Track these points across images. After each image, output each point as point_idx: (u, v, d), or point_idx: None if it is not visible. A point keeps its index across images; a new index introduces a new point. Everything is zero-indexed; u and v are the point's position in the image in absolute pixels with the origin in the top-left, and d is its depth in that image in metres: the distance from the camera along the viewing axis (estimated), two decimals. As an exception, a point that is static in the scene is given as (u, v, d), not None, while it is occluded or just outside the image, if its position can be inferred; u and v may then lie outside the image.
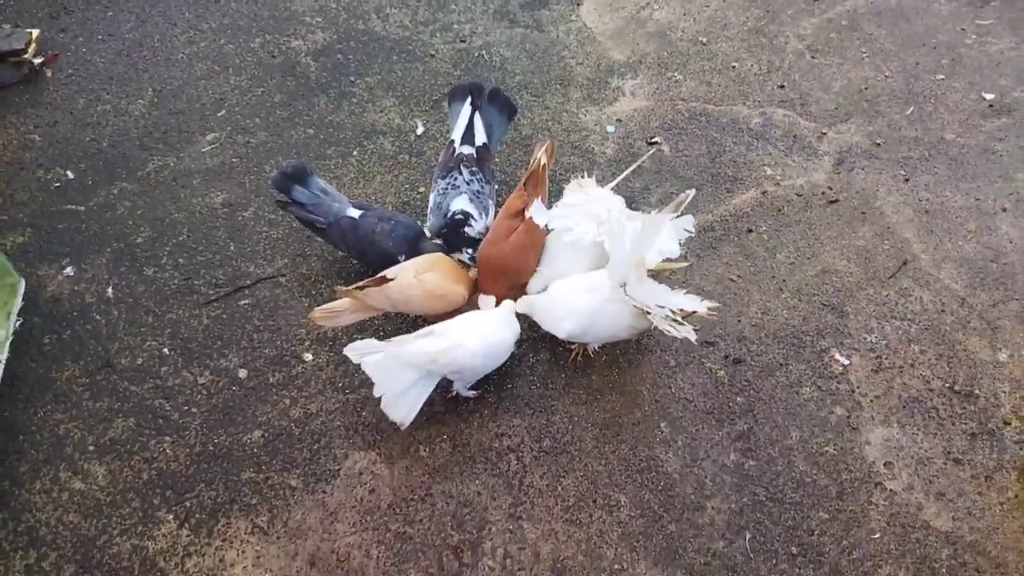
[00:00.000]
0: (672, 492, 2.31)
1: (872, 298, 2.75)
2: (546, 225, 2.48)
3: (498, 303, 2.45)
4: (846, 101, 3.43)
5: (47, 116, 3.24)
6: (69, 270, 2.74)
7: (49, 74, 3.41)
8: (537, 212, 2.45)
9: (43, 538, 2.18)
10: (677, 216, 2.34)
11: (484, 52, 3.58)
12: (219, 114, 3.27)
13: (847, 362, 2.58)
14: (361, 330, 2.60)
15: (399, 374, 2.22)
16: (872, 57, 3.64)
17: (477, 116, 2.74)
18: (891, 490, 2.33)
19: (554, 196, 2.72)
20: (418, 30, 3.68)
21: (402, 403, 2.25)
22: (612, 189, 2.54)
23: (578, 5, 3.84)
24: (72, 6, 3.70)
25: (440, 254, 2.54)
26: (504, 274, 2.50)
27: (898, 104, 3.43)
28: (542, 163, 2.60)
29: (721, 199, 3.04)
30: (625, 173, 2.60)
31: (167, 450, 2.34)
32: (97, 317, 2.62)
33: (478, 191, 2.66)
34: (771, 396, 2.51)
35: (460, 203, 2.62)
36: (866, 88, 3.49)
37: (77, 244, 2.81)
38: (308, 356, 2.55)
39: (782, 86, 3.48)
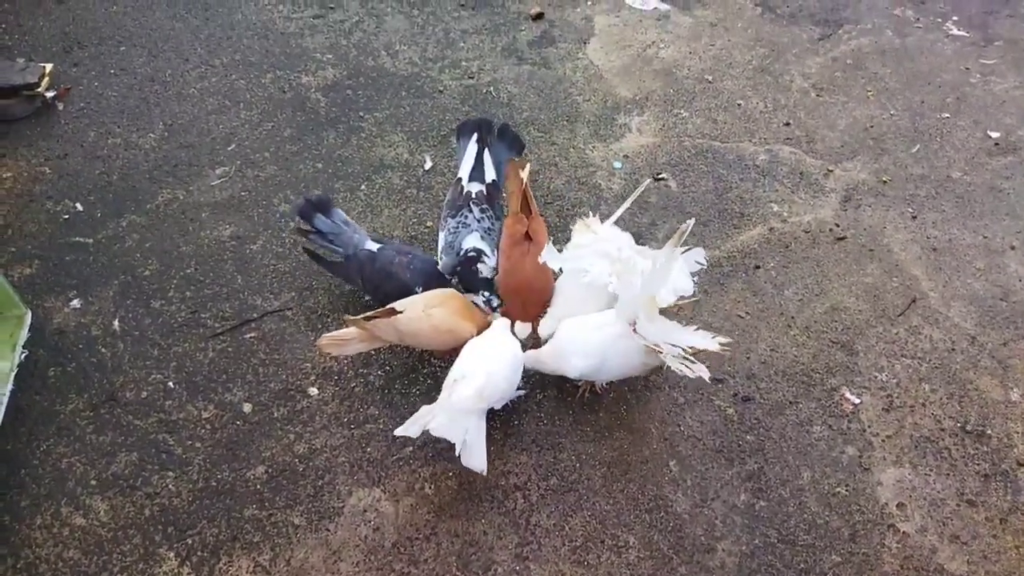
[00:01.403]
0: (682, 533, 2.27)
1: (882, 336, 2.73)
2: (559, 269, 2.46)
3: (534, 328, 2.51)
4: (852, 139, 3.45)
5: (58, 149, 3.26)
6: (76, 302, 2.73)
7: (61, 108, 3.44)
8: (549, 257, 2.44)
9: (43, 575, 2.14)
10: (684, 250, 2.33)
11: (492, 88, 3.61)
12: (229, 148, 3.29)
13: (858, 401, 2.55)
14: (367, 364, 2.58)
15: (462, 423, 2.18)
16: (878, 95, 3.66)
17: (487, 153, 2.76)
18: (904, 532, 2.28)
19: (556, 232, 2.72)
20: (427, 67, 3.72)
21: (475, 450, 2.22)
22: (616, 224, 2.53)
23: (585, 43, 3.89)
24: (85, 41, 3.76)
25: (452, 290, 2.54)
26: (534, 296, 2.53)
27: (904, 142, 3.45)
28: (525, 183, 2.59)
29: (728, 235, 3.04)
30: (624, 206, 2.60)
31: (170, 486, 2.31)
32: (103, 350, 2.61)
33: (489, 228, 2.66)
34: (781, 435, 2.48)
35: (472, 241, 2.62)
36: (872, 126, 3.51)
37: (84, 276, 2.81)
38: (313, 390, 2.53)
39: (788, 123, 3.50)
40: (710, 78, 3.72)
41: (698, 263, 2.34)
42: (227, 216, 3.04)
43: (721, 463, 2.41)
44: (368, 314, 2.32)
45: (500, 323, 2.44)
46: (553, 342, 2.39)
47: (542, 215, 3.03)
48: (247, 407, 2.48)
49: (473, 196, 2.69)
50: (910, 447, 2.46)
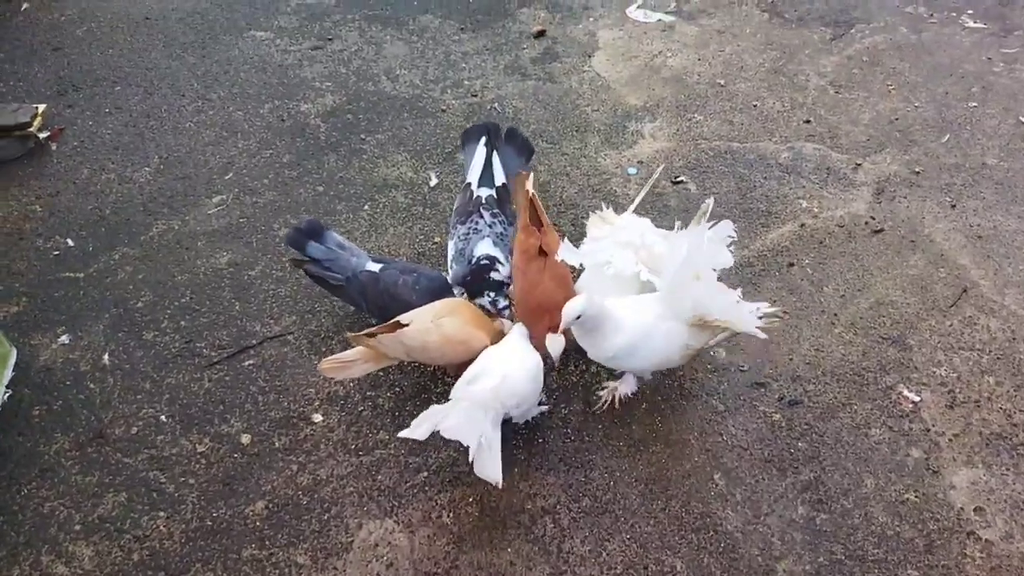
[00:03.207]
0: (735, 554, 2.01)
1: (935, 329, 2.50)
2: (580, 264, 2.27)
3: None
4: (878, 132, 3.28)
5: (50, 187, 3.14)
6: (64, 338, 2.56)
7: (54, 148, 3.33)
8: (567, 253, 2.23)
9: (19, 633, 1.91)
10: (710, 225, 2.12)
11: (496, 104, 3.48)
12: (226, 177, 3.16)
13: (917, 398, 2.31)
14: (375, 386, 2.37)
15: (477, 426, 1.95)
16: (899, 89, 3.50)
17: (495, 156, 2.60)
18: (987, 540, 2.01)
19: (573, 241, 2.53)
20: (428, 88, 3.61)
21: (490, 459, 1.98)
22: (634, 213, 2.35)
23: (589, 56, 3.77)
24: (80, 83, 3.68)
25: (461, 299, 2.35)
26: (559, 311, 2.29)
27: (933, 132, 3.26)
28: (531, 193, 2.35)
29: (756, 234, 2.84)
30: (643, 192, 2.42)
31: (160, 527, 2.08)
32: (91, 385, 2.42)
33: (501, 233, 2.48)
34: (836, 440, 2.23)
35: (484, 247, 2.43)
36: (897, 119, 3.34)
37: (74, 311, 2.64)
38: (318, 417, 2.32)
39: (808, 121, 3.34)
40: (722, 82, 3.58)
41: (729, 236, 2.12)
42: (224, 244, 2.88)
43: (772, 474, 2.16)
44: (371, 329, 2.12)
45: (518, 330, 2.23)
46: (586, 318, 2.08)
47: (555, 225, 2.86)
48: (245, 438, 2.27)
49: (483, 201, 2.52)
50: (981, 445, 2.20)
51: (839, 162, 3.14)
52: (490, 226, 2.46)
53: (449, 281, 2.45)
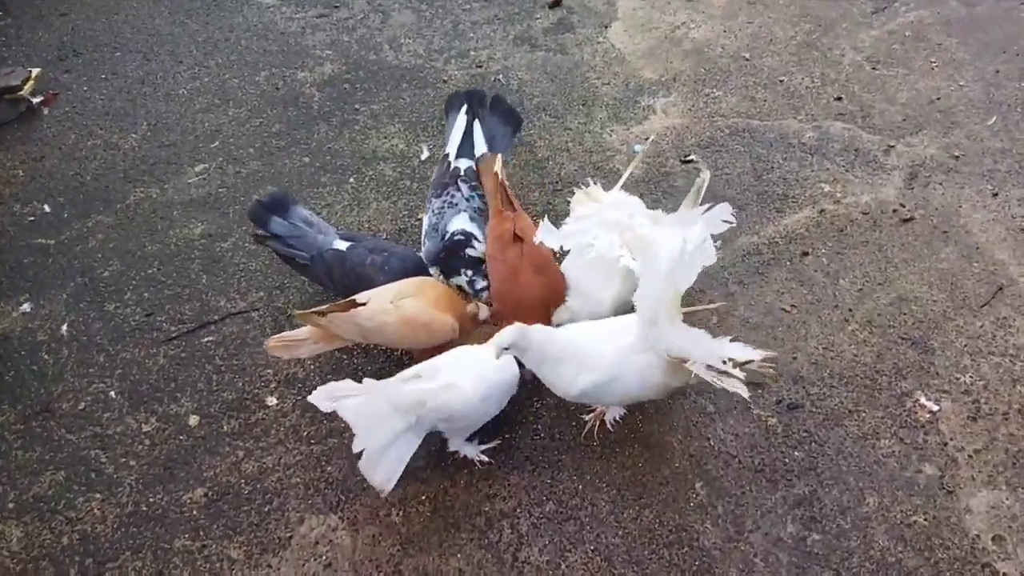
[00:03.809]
0: (711, 573, 1.79)
1: (963, 330, 2.22)
2: (560, 247, 2.04)
3: None
4: (915, 112, 2.97)
5: (35, 152, 3.05)
6: (26, 306, 2.46)
7: (46, 112, 3.25)
8: (547, 234, 2.00)
9: (-64, 615, 1.81)
10: (705, 208, 1.86)
11: (501, 76, 3.27)
12: (212, 145, 3.02)
13: (936, 408, 2.04)
14: (336, 369, 2.21)
15: (383, 422, 1.80)
16: (943, 67, 3.17)
17: (477, 126, 2.40)
18: (1004, 574, 1.75)
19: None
20: (432, 58, 3.42)
21: (384, 462, 1.82)
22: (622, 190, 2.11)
23: (606, 27, 3.52)
24: (81, 48, 3.59)
25: (430, 279, 2.16)
26: (545, 302, 2.07)
27: (977, 114, 2.94)
28: (501, 177, 2.17)
29: (769, 219, 2.58)
30: (633, 164, 2.19)
31: (95, 509, 1.96)
32: (45, 356, 2.31)
33: (480, 208, 2.29)
34: (839, 451, 1.98)
35: (460, 222, 2.24)
36: (938, 99, 3.02)
37: (40, 279, 2.54)
38: (272, 400, 2.16)
39: (839, 98, 3.04)
40: (747, 55, 3.30)
41: (724, 222, 1.82)
42: (200, 214, 2.75)
43: (762, 485, 1.93)
44: (322, 308, 1.94)
45: (509, 335, 1.81)
46: (553, 347, 1.85)
47: (550, 205, 2.66)
48: (193, 419, 2.13)
49: (462, 173, 2.33)
50: (1006, 464, 1.93)
51: (869, 143, 2.85)
52: (468, 199, 2.27)
53: (424, 259, 2.27)
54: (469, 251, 2.20)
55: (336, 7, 3.78)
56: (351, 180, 2.84)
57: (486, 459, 1.98)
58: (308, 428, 2.09)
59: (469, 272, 2.18)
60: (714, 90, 3.13)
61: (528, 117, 3.04)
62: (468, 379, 1.81)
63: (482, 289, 2.19)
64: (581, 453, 2.01)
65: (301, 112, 3.17)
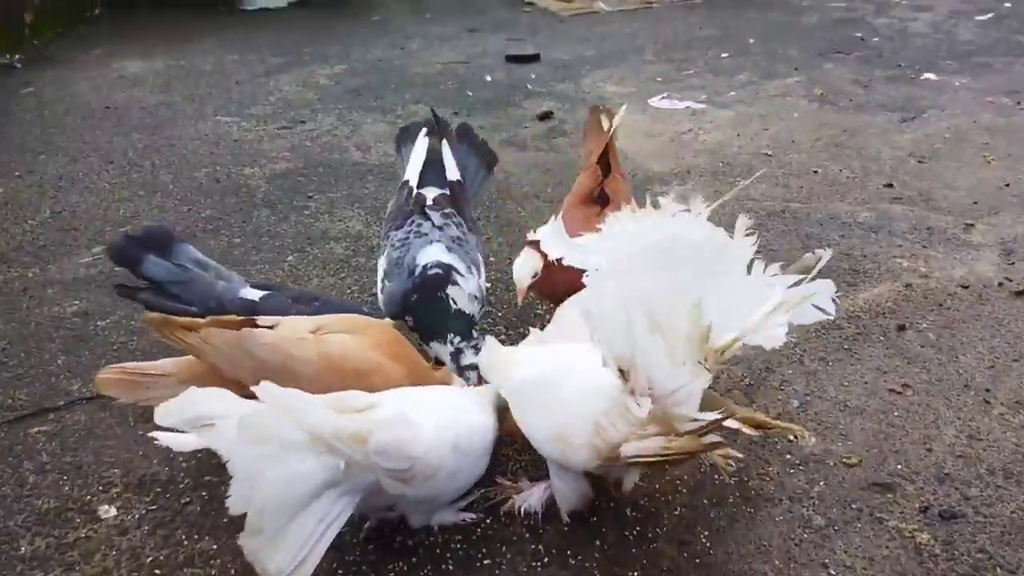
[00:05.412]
0: None
1: None
2: (557, 260, 1.38)
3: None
4: (986, 196, 2.47)
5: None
6: None
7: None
8: (552, 236, 1.38)
9: None
10: (799, 279, 1.21)
11: (485, 171, 2.78)
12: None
13: None
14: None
15: (286, 462, 1.02)
16: (999, 161, 2.75)
17: (446, 148, 1.81)
18: None
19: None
20: (405, 158, 2.95)
21: (290, 535, 1.01)
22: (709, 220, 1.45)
23: (605, 133, 3.12)
24: (1, 152, 3.10)
25: (383, 322, 1.45)
26: None
27: (1060, 199, 2.44)
28: (611, 132, 1.86)
29: (842, 292, 1.94)
30: (739, 187, 1.57)
31: None
32: None
33: (458, 238, 1.64)
34: (1049, 580, 1.17)
35: (433, 253, 1.60)
36: (1007, 185, 2.56)
37: None
38: (109, 511, 1.34)
39: (889, 185, 2.57)
40: (769, 152, 2.86)
41: (819, 308, 1.20)
42: (82, 292, 2.08)
43: (937, 644, 1.09)
44: (196, 319, 1.23)
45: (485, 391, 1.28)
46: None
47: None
48: (-27, 539, 1.29)
49: (430, 201, 1.71)
50: None
51: (942, 223, 2.31)
52: (440, 228, 1.63)
53: (383, 310, 1.59)
54: (452, 291, 1.52)
55: (302, 122, 3.39)
56: (289, 259, 2.21)
57: (472, 516, 1.22)
58: (157, 551, 1.25)
59: (457, 339, 1.48)
60: (738, 179, 2.64)
61: (518, 203, 2.51)
62: (431, 416, 1.08)
63: (469, 367, 1.47)
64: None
65: (241, 200, 2.62)
